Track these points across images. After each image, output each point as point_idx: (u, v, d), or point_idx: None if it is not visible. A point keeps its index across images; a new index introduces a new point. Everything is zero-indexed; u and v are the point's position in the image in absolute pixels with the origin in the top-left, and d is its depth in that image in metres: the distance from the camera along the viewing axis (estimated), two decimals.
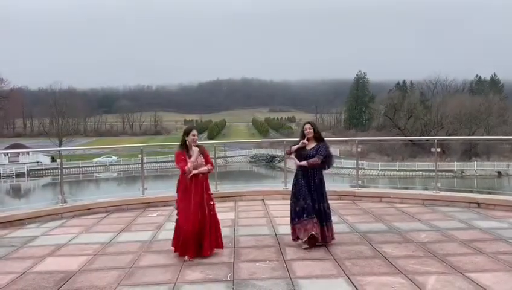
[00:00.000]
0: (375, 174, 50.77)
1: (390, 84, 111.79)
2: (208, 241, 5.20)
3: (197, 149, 5.33)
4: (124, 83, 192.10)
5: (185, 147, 5.31)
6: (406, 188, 19.52)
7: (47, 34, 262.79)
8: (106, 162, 62.56)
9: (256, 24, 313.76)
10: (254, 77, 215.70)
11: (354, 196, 8.78)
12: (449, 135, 60.19)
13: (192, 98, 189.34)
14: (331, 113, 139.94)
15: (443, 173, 40.72)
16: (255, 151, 72.69)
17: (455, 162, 50.50)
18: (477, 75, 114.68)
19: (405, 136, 60.10)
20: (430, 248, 5.30)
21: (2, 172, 56.79)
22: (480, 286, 4.10)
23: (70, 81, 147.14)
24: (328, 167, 5.75)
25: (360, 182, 9.71)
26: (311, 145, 5.64)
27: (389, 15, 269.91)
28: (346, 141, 51.40)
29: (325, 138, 5.86)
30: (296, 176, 5.66)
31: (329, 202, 5.73)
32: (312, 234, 5.35)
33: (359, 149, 18.03)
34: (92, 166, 61.07)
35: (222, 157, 46.00)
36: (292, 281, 4.34)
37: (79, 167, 58.17)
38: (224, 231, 5.72)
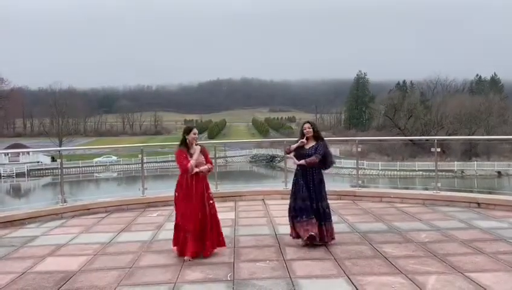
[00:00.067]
0: (375, 174, 50.77)
1: (391, 84, 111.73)
2: (210, 240, 5.21)
3: (199, 147, 5.35)
4: (124, 83, 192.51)
5: (185, 146, 5.32)
6: (406, 188, 19.54)
7: (47, 34, 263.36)
8: (106, 162, 62.61)
9: (256, 24, 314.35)
10: (254, 77, 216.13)
11: (354, 195, 8.79)
12: (449, 135, 60.21)
13: (192, 98, 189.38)
14: (331, 113, 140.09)
15: (443, 173, 40.67)
16: (255, 151, 72.66)
17: (455, 162, 50.44)
18: (477, 75, 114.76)
19: (405, 136, 60.20)
20: (430, 248, 5.30)
21: (2, 172, 56.75)
22: (480, 285, 4.10)
23: (70, 81, 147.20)
24: (328, 167, 5.75)
25: (360, 181, 9.72)
26: (310, 144, 5.64)
27: (389, 15, 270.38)
28: (346, 140, 51.40)
29: (325, 138, 5.87)
30: (295, 175, 5.68)
31: (330, 201, 5.73)
32: (311, 234, 5.36)
33: (359, 149, 18.01)
34: (92, 166, 61.19)
35: (222, 157, 46.05)
36: (292, 281, 4.34)
37: (79, 166, 58.25)
38: (225, 231, 5.71)
